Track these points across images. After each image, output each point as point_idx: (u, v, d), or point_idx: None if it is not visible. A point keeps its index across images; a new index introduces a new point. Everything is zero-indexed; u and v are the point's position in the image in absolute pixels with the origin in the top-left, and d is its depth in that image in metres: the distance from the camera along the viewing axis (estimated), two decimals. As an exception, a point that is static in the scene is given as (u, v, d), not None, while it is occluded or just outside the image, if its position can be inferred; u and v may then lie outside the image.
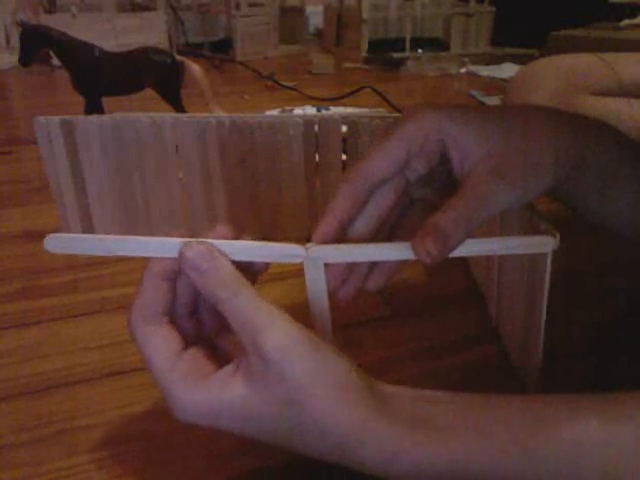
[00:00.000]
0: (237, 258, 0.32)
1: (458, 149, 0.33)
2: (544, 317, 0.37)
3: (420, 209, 0.37)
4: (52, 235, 0.32)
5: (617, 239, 0.41)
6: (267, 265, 0.34)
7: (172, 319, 0.33)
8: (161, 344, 0.31)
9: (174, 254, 0.32)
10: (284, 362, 0.28)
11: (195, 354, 0.32)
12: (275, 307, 0.30)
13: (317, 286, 0.34)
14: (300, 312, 0.36)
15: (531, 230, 0.38)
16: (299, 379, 0.28)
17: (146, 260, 0.32)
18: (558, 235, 0.34)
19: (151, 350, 0.31)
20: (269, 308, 0.30)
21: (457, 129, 0.33)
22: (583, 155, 0.34)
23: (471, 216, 0.31)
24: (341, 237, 0.34)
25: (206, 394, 0.30)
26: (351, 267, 0.35)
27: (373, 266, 0.36)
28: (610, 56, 0.76)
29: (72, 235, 0.33)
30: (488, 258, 0.50)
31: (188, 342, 0.33)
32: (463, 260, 0.60)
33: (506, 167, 0.31)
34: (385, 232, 0.36)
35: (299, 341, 0.29)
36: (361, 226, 0.35)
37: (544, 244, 0.35)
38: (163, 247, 0.32)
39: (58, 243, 0.33)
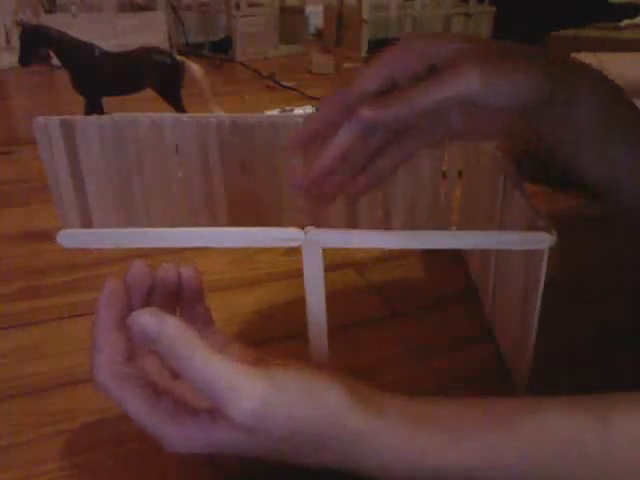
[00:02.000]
0: (236, 244, 0.33)
1: (444, 63, 0.32)
2: (537, 316, 0.37)
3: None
4: (65, 231, 0.34)
5: (617, 239, 0.41)
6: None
7: (135, 362, 0.33)
8: (138, 393, 0.31)
9: (178, 244, 0.33)
10: (261, 424, 0.28)
11: (173, 394, 0.32)
12: (233, 363, 0.29)
13: (314, 270, 0.34)
14: (294, 310, 0.36)
15: (530, 227, 0.38)
16: (282, 429, 0.28)
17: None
18: (555, 232, 0.34)
19: (130, 402, 0.31)
20: (227, 368, 0.29)
21: (445, 43, 0.33)
22: (573, 85, 0.33)
23: (432, 92, 0.30)
24: (316, 141, 0.35)
25: (197, 431, 0.30)
26: (343, 160, 0.35)
27: (364, 168, 0.36)
28: (606, 56, 0.76)
29: (84, 230, 0.34)
30: (485, 257, 0.50)
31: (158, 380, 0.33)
32: (462, 260, 0.60)
33: (486, 61, 0.31)
34: (356, 169, 0.37)
35: (267, 398, 0.28)
36: (340, 138, 0.34)
37: (541, 241, 0.34)
38: (167, 238, 0.32)
39: (71, 239, 0.34)
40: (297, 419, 0.28)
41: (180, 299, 0.37)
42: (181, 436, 0.30)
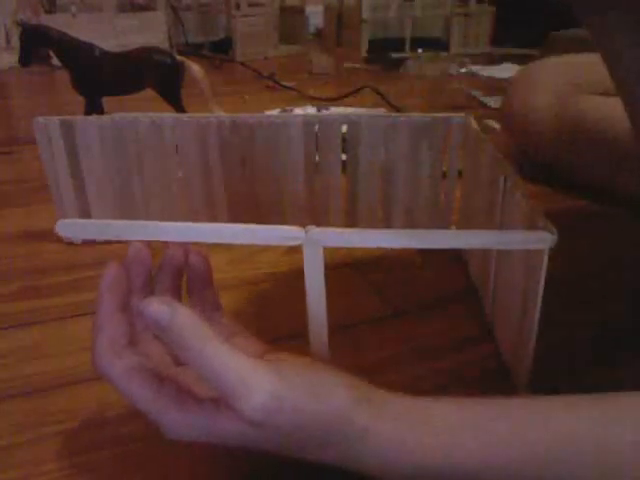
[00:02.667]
0: (237, 241, 0.33)
1: None
2: (537, 316, 0.37)
3: None
4: (63, 220, 0.33)
5: (617, 239, 0.41)
6: None
7: (137, 346, 0.33)
8: (140, 378, 0.30)
9: (178, 238, 0.33)
10: (269, 418, 0.28)
11: (176, 377, 0.32)
12: (242, 356, 0.29)
13: (315, 269, 0.34)
14: (294, 310, 0.36)
15: (530, 227, 0.37)
16: (287, 423, 0.28)
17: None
18: (556, 232, 0.34)
19: (132, 387, 0.30)
20: (236, 360, 0.28)
21: None
22: None
23: None
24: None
25: (201, 419, 0.29)
26: None
27: None
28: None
29: (83, 220, 0.34)
30: (485, 257, 0.50)
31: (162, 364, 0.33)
32: (462, 260, 0.60)
33: None
34: None
35: (276, 391, 0.28)
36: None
37: (541, 240, 0.34)
38: (168, 232, 0.33)
39: (70, 228, 0.34)
40: (302, 412, 0.28)
41: (189, 281, 0.37)
42: (184, 423, 0.29)
